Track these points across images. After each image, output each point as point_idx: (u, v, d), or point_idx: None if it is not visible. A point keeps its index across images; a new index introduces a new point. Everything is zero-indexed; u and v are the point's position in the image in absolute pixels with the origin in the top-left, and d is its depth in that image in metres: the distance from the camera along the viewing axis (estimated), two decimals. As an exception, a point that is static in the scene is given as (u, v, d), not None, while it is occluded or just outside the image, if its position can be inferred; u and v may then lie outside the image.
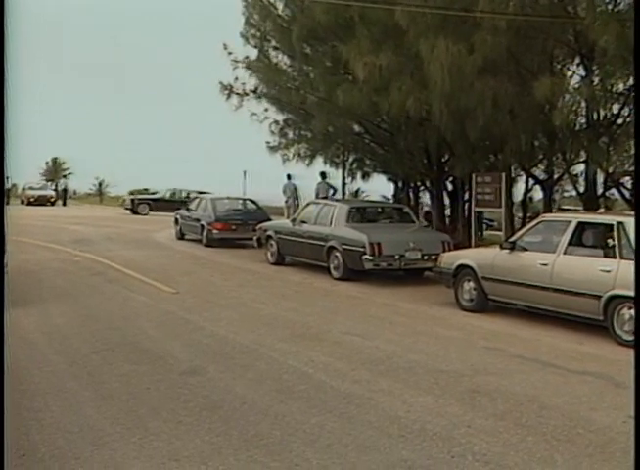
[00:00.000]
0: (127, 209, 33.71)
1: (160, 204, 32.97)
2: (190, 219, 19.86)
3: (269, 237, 15.35)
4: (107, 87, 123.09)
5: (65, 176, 65.10)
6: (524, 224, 15.15)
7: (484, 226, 22.32)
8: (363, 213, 14.20)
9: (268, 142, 20.13)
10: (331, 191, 20.58)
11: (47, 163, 70.60)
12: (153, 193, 38.04)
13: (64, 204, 45.03)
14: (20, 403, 5.40)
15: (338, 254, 12.98)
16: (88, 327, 8.45)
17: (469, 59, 12.66)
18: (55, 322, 8.74)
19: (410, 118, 15.42)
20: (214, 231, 18.35)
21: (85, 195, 59.67)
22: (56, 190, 49.66)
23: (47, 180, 59.29)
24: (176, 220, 21.19)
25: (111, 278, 12.56)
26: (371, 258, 12.25)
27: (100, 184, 58.55)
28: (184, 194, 33.30)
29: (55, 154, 69.44)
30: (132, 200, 34.26)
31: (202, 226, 18.79)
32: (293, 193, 22.52)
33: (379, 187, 24.40)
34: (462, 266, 10.04)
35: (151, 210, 32.60)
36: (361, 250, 12.38)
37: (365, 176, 21.47)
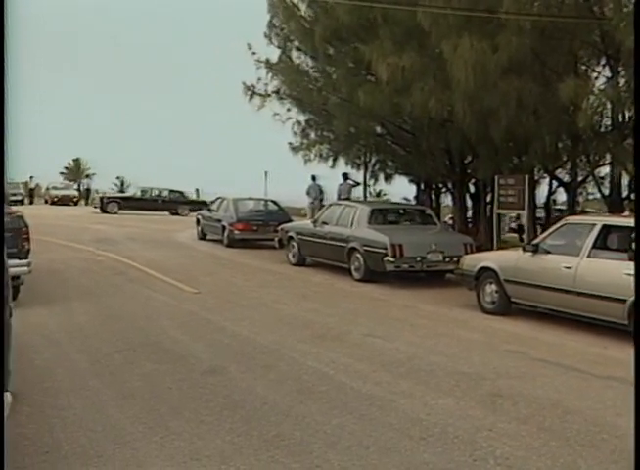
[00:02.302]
0: (96, 207, 34.14)
1: (130, 202, 33.29)
2: (211, 220, 19.96)
3: (290, 238, 15.38)
4: (128, 87, 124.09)
5: (87, 176, 65.79)
6: (546, 227, 15.03)
7: (507, 229, 22.23)
8: (385, 215, 14.18)
9: (291, 143, 20.22)
10: (347, 186, 20.60)
11: (69, 163, 71.57)
12: (122, 192, 38.60)
13: (86, 203, 45.41)
14: (43, 401, 5.45)
15: (359, 255, 12.97)
16: (111, 326, 8.52)
17: (493, 57, 12.55)
18: (78, 321, 8.81)
19: (432, 119, 15.36)
20: (236, 232, 18.43)
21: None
22: (79, 190, 50.19)
23: (70, 180, 60.01)
24: (198, 221, 21.28)
25: (133, 278, 12.66)
26: (392, 259, 12.22)
27: (122, 183, 58.87)
28: (155, 193, 34.04)
29: (77, 154, 70.32)
30: (101, 198, 34.66)
31: (223, 227, 18.88)
32: (318, 194, 22.57)
33: (401, 189, 24.34)
34: (484, 269, 9.98)
35: (120, 208, 32.87)
36: (383, 251, 12.36)
37: (387, 178, 21.44)
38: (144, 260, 14.79)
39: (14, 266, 8.07)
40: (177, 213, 33.35)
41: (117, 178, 59.08)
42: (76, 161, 70.55)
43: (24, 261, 9.41)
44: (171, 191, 35.09)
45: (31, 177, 47.22)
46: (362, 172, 22.01)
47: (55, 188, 45.90)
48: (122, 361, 6.81)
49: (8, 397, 4.10)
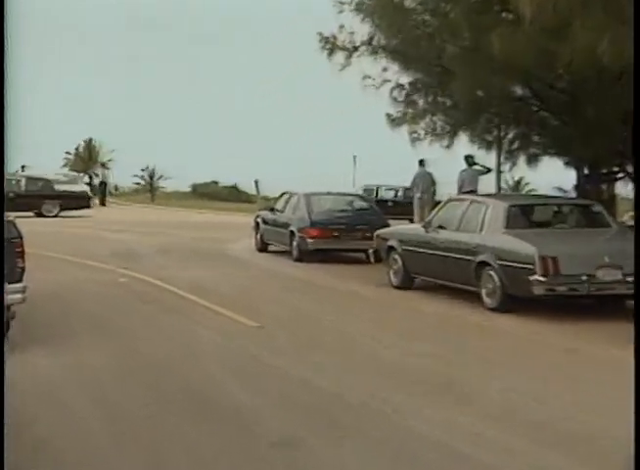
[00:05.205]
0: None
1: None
2: (275, 224, 20.20)
3: (391, 249, 15.29)
4: (154, 48, 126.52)
5: (103, 165, 66.55)
6: None
7: None
8: (530, 214, 14.08)
9: (389, 115, 20.11)
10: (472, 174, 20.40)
11: (77, 148, 72.27)
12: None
13: (102, 203, 46.37)
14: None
15: (492, 273, 12.74)
16: (137, 375, 8.59)
17: None
18: (92, 369, 8.90)
19: (604, 72, 14.98)
20: (309, 240, 18.53)
21: (131, 191, 61.23)
22: (90, 184, 51.43)
23: (78, 171, 61.04)
24: (256, 225, 21.53)
25: (168, 307, 12.81)
26: (543, 279, 11.97)
27: (151, 176, 59.97)
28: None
29: (86, 135, 70.88)
30: None
31: (291, 233, 19.03)
32: (429, 186, 22.39)
33: (550, 176, 23.86)
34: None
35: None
36: (528, 267, 12.13)
37: (531, 160, 21.06)
38: (183, 282, 14.96)
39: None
40: (42, 214, 32.49)
41: (143, 170, 60.26)
42: (89, 143, 71.44)
43: (17, 286, 9.38)
44: (30, 179, 34.71)
45: (23, 167, 48.71)
46: (494, 154, 21.70)
47: (57, 182, 47.19)
48: (153, 426, 6.84)
49: None
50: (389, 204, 31.81)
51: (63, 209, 35.97)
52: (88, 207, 43.59)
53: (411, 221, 27.80)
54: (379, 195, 34.40)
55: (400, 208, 28.67)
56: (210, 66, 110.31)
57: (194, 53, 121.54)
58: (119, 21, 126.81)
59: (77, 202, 38.19)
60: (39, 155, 68.03)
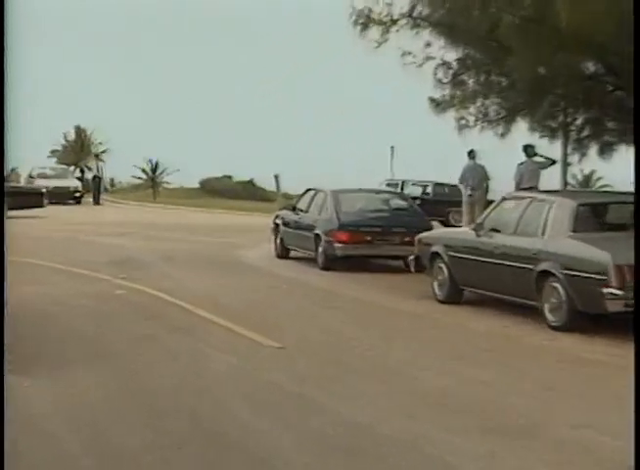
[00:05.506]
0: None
1: None
2: (298, 226, 20.35)
3: (435, 256, 15.34)
4: (154, 28, 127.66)
5: (97, 156, 66.67)
6: None
7: None
8: (602, 215, 14.16)
9: (433, 99, 20.10)
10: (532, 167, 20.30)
11: (65, 135, 72.30)
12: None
13: (96, 201, 46.54)
14: None
15: (557, 285, 12.73)
16: (138, 408, 8.62)
17: None
18: (86, 400, 8.92)
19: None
20: (337, 245, 18.63)
21: (130, 186, 61.28)
22: (82, 179, 51.56)
23: (68, 164, 61.16)
24: (276, 227, 21.62)
25: (175, 325, 12.85)
26: (619, 292, 11.94)
27: (153, 170, 60.02)
28: None
29: (77, 122, 70.88)
30: None
31: (317, 237, 19.16)
32: (480, 181, 22.37)
33: (628, 169, 23.74)
34: None
35: None
36: (600, 278, 12.13)
37: (604, 150, 21.02)
38: (190, 295, 15.07)
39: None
40: None
41: (147, 163, 60.26)
42: (78, 130, 71.36)
43: None
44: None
45: (13, 170, 49.11)
46: (559, 143, 21.66)
47: (44, 176, 47.43)
48: (159, 468, 6.84)
49: None
50: (417, 202, 31.54)
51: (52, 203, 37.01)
52: (79, 202, 43.83)
53: (442, 223, 27.87)
54: (404, 191, 34.05)
55: (429, 206, 28.38)
56: (227, 46, 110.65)
57: (203, 35, 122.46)
58: (120, 18, 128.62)
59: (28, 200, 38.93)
60: (21, 141, 68.01)
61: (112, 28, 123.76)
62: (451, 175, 25.24)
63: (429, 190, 34.65)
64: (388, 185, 33.22)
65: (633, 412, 3.18)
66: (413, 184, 35.62)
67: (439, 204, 30.49)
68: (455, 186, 31.71)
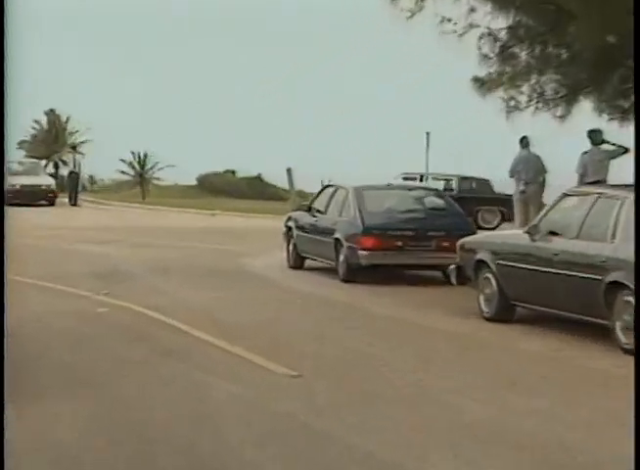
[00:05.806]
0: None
1: None
2: (314, 230, 20.47)
3: (481, 264, 15.37)
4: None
5: (74, 148, 66.49)
6: None
7: None
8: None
9: (477, 78, 20.07)
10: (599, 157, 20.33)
11: (37, 121, 71.89)
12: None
13: (73, 201, 46.60)
14: None
15: (631, 298, 12.65)
16: (125, 445, 8.60)
17: None
18: (63, 436, 8.94)
19: None
20: (362, 252, 18.71)
21: (114, 184, 61.36)
22: (56, 176, 51.61)
23: (38, 157, 60.87)
24: (288, 231, 21.72)
25: (167, 347, 12.92)
26: None
27: (142, 164, 59.98)
28: None
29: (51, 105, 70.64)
30: None
31: (337, 242, 19.22)
32: (535, 174, 22.29)
33: None
34: None
35: None
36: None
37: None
38: (188, 312, 15.19)
39: None
40: None
41: (133, 155, 60.24)
42: (51, 114, 70.80)
43: None
44: None
45: None
46: (632, 127, 21.58)
47: (13, 173, 47.57)
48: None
49: None
50: None
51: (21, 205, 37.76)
52: (52, 203, 43.90)
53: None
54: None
55: None
56: (230, 42, 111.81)
57: (202, 33, 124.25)
58: (120, 18, 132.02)
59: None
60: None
61: (111, 28, 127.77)
62: (493, 168, 25.12)
63: (453, 185, 34.94)
64: (405, 179, 32.61)
65: (633, 416, 3.18)
66: (434, 178, 35.74)
67: (466, 201, 29.93)
68: (485, 180, 31.57)
